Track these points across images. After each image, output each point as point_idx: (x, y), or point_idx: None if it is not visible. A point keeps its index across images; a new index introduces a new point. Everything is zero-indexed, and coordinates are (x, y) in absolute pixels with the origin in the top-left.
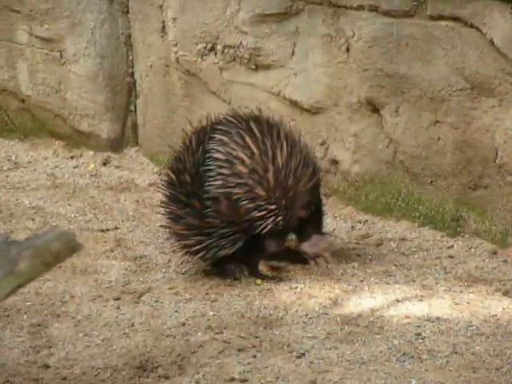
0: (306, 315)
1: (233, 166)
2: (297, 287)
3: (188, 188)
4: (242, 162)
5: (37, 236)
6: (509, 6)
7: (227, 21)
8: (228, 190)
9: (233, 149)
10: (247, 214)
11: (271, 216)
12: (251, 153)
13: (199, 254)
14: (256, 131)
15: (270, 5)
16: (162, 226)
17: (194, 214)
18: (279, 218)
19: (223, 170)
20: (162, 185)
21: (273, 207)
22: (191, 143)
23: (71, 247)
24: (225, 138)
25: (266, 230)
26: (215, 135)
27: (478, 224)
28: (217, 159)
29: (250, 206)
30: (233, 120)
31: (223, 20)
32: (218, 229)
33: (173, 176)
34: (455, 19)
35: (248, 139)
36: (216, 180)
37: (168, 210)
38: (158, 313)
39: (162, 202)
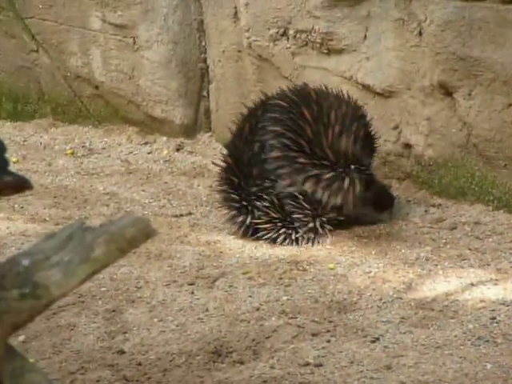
0: (380, 300)
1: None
2: (370, 271)
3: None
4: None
5: (111, 222)
6: None
7: (299, 5)
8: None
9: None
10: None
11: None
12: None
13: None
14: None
15: None
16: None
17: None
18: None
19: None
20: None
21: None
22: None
23: (146, 233)
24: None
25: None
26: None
27: None
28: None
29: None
30: (283, 103)
31: (295, 5)
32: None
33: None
34: None
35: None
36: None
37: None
38: (232, 298)
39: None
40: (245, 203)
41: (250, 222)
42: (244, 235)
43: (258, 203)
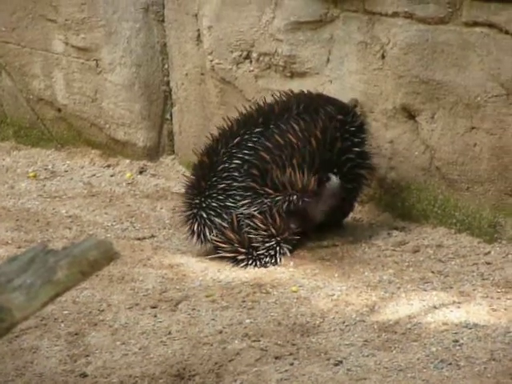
0: (343, 322)
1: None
2: (333, 294)
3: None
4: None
5: (74, 245)
6: None
7: (262, 29)
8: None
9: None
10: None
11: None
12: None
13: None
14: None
15: (305, 12)
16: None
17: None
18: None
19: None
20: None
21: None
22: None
23: (108, 256)
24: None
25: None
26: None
27: None
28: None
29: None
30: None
31: (258, 28)
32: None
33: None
34: (490, 25)
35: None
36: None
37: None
38: (194, 321)
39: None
40: (204, 215)
41: (210, 238)
42: (199, 245)
43: (217, 220)
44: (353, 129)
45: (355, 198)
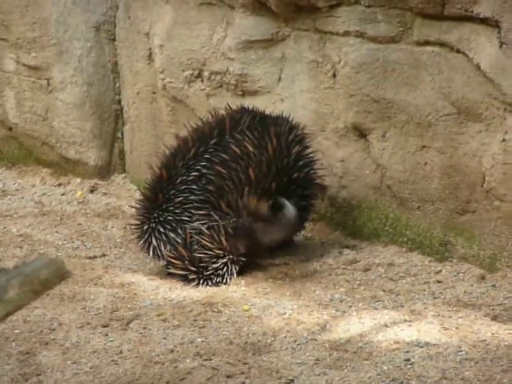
0: (295, 341)
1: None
2: (285, 313)
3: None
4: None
5: (25, 263)
6: (495, 30)
7: (214, 47)
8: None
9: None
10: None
11: None
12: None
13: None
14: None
15: (257, 31)
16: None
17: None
18: None
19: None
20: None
21: None
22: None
23: (60, 275)
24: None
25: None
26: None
27: (465, 249)
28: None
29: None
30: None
31: (210, 47)
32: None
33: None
34: (441, 44)
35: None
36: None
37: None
38: (146, 340)
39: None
40: (161, 230)
41: (164, 253)
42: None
43: (171, 234)
44: (298, 137)
45: (307, 215)
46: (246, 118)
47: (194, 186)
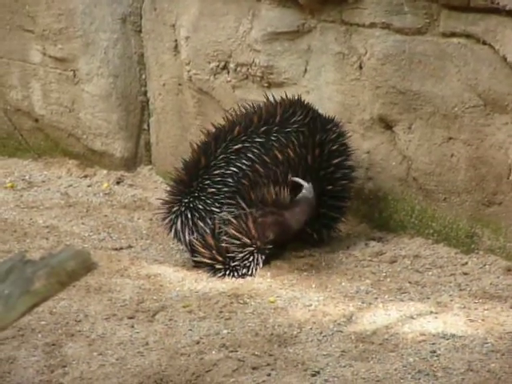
0: (321, 333)
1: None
2: (311, 305)
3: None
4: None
5: (52, 255)
6: None
7: (240, 39)
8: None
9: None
10: None
11: None
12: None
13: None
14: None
15: (283, 23)
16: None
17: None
18: None
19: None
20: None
21: None
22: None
23: (86, 266)
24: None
25: None
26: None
27: (492, 241)
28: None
29: None
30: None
31: (236, 38)
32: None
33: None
34: (468, 36)
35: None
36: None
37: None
38: (172, 331)
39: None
40: (189, 215)
41: (189, 240)
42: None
43: (200, 223)
44: (342, 147)
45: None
46: (297, 116)
47: (230, 180)
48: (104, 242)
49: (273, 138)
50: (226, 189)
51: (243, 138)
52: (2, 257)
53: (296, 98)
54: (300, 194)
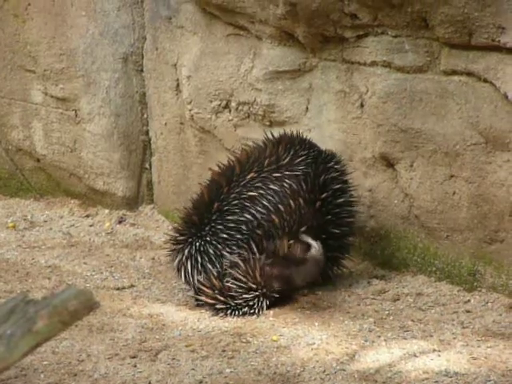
0: (324, 371)
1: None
2: (314, 343)
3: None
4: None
5: (54, 295)
6: None
7: (241, 78)
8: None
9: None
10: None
11: None
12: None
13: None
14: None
15: (284, 62)
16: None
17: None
18: None
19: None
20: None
21: None
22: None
23: (88, 306)
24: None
25: None
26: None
27: (494, 278)
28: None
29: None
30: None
31: (237, 77)
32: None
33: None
34: (468, 74)
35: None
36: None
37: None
38: (174, 371)
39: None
40: (199, 259)
41: (197, 280)
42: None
43: (209, 265)
44: (344, 187)
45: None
46: (301, 157)
47: (243, 227)
48: (106, 282)
49: (285, 186)
50: (239, 236)
51: (257, 185)
52: (5, 297)
53: (295, 133)
54: (309, 254)
